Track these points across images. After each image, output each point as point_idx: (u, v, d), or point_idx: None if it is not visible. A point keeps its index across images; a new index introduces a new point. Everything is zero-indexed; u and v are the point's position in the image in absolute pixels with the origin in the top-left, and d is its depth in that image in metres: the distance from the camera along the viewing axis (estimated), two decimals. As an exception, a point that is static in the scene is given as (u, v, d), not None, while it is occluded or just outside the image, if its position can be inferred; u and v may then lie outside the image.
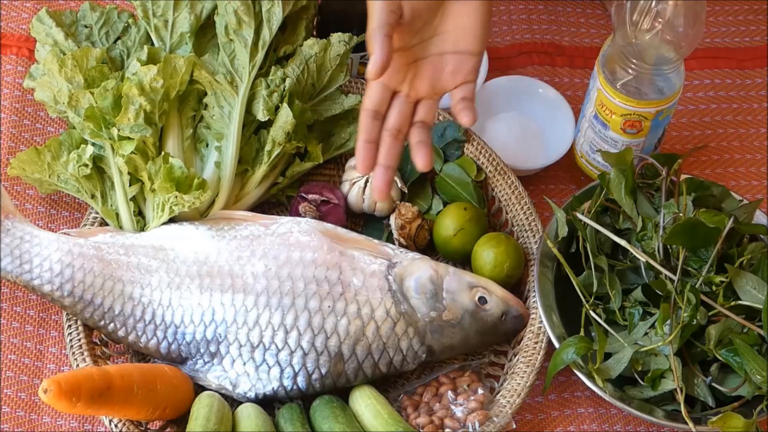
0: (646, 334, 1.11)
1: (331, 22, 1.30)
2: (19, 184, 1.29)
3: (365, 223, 1.29)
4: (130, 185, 1.20)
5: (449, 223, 1.22)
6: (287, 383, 1.13)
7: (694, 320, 1.08)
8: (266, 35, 1.23)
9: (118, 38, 1.31)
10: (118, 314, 1.15)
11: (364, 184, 1.25)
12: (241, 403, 1.13)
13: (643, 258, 1.12)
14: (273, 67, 1.24)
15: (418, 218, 1.24)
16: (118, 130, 1.18)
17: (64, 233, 1.20)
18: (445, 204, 1.27)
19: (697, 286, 1.09)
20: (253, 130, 1.25)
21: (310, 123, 1.27)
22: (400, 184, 1.26)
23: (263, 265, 1.15)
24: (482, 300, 1.16)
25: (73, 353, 1.14)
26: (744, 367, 1.07)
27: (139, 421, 1.11)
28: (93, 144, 1.21)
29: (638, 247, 1.13)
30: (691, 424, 1.07)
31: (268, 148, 1.23)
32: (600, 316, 1.13)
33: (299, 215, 1.23)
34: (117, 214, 1.22)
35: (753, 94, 1.45)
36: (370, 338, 1.13)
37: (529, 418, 1.19)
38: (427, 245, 1.25)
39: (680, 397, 1.08)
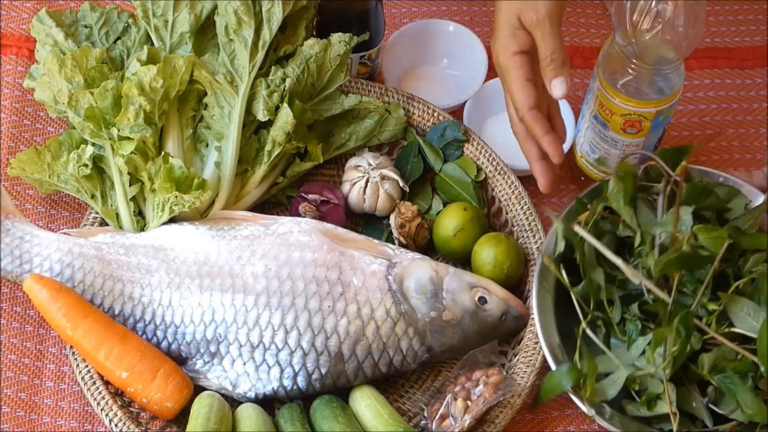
0: (644, 352, 1.10)
1: (331, 22, 1.30)
2: (19, 184, 1.29)
3: (365, 223, 1.29)
4: (130, 185, 1.20)
5: (449, 223, 1.22)
6: (287, 383, 1.13)
7: (687, 348, 1.06)
8: (266, 35, 1.23)
9: (118, 38, 1.31)
10: (118, 314, 1.15)
11: (364, 184, 1.25)
12: (241, 403, 1.13)
13: (636, 280, 1.09)
14: (273, 67, 1.24)
15: (417, 217, 1.24)
16: (118, 130, 1.18)
17: (64, 233, 1.20)
18: (445, 204, 1.27)
19: (692, 308, 1.08)
20: (253, 130, 1.25)
21: (310, 123, 1.27)
22: (401, 183, 1.26)
23: (263, 265, 1.15)
24: (482, 300, 1.16)
25: (74, 353, 1.14)
26: (736, 398, 1.06)
27: (139, 421, 1.11)
28: (93, 144, 1.21)
29: (636, 262, 1.12)
30: None
31: (268, 148, 1.23)
32: (601, 329, 1.12)
33: (299, 215, 1.23)
34: (117, 214, 1.22)
35: (753, 94, 1.45)
36: (370, 338, 1.13)
37: (529, 418, 1.19)
38: (427, 245, 1.25)
39: (674, 424, 1.07)
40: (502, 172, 1.27)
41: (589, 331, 1.12)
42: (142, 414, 1.13)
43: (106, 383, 1.12)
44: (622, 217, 1.14)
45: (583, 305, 1.13)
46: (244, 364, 1.13)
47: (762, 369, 1.04)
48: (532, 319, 1.18)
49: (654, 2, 1.12)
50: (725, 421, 1.09)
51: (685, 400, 1.09)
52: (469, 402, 1.11)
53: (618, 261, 1.09)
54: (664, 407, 1.08)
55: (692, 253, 1.07)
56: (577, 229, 1.13)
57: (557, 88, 1.08)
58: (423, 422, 1.14)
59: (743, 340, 1.07)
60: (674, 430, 1.07)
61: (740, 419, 1.08)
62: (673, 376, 1.08)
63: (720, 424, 1.09)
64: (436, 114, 1.31)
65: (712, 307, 1.08)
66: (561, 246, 1.14)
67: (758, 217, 1.15)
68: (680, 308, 1.07)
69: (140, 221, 1.21)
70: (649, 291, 1.10)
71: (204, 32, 1.28)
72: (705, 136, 1.31)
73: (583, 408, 1.10)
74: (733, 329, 1.07)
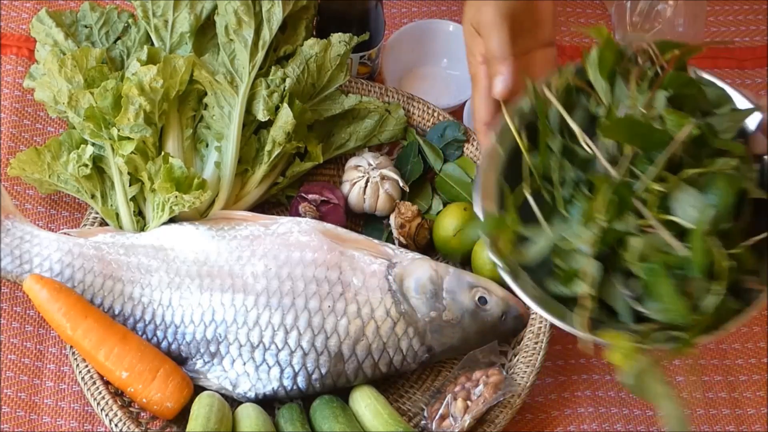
0: None
1: (331, 22, 1.30)
2: (19, 184, 1.29)
3: (365, 223, 1.29)
4: (130, 185, 1.20)
5: (449, 223, 1.22)
6: (287, 383, 1.13)
7: (618, 225, 0.94)
8: (266, 35, 1.23)
9: (118, 38, 1.31)
10: (118, 314, 1.15)
11: (364, 184, 1.25)
12: (241, 403, 1.13)
13: (586, 147, 0.98)
14: (273, 67, 1.24)
15: (417, 217, 1.24)
16: (118, 130, 1.18)
17: (65, 233, 1.20)
18: (445, 204, 1.27)
19: (638, 191, 0.95)
20: (253, 130, 1.25)
21: (310, 123, 1.27)
22: (401, 183, 1.26)
23: (263, 265, 1.15)
24: (482, 300, 1.16)
25: (74, 353, 1.14)
26: (656, 293, 0.94)
27: (139, 421, 1.11)
28: (93, 144, 1.21)
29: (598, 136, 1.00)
30: (580, 331, 0.95)
31: (268, 148, 1.23)
32: (549, 205, 1.01)
33: (299, 215, 1.23)
34: (117, 214, 1.22)
35: (753, 94, 1.45)
36: (370, 338, 1.13)
37: (530, 417, 1.19)
38: (427, 245, 1.25)
39: (587, 305, 0.95)
40: (502, 172, 1.27)
41: (529, 196, 1.01)
42: (142, 414, 1.13)
43: (106, 383, 1.12)
44: (596, 89, 1.02)
45: (534, 172, 1.02)
46: (244, 364, 1.13)
47: (693, 267, 0.92)
48: (533, 318, 1.18)
49: (654, 2, 1.12)
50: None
51: (608, 291, 0.97)
52: (469, 402, 1.11)
53: (574, 126, 1.00)
54: (580, 287, 0.96)
55: (644, 123, 0.95)
56: (545, 90, 1.03)
57: (496, 86, 1.06)
58: (423, 422, 1.14)
59: (680, 235, 0.94)
60: (588, 311, 0.95)
61: (661, 319, 0.94)
62: (600, 261, 0.96)
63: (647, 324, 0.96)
64: (436, 114, 1.31)
65: (655, 187, 0.94)
66: (526, 105, 1.05)
67: (739, 121, 1.00)
68: (619, 185, 0.94)
69: (140, 221, 1.21)
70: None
71: (204, 32, 1.28)
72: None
73: (494, 259, 1.00)
74: (672, 218, 0.94)
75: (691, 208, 0.93)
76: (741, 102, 1.02)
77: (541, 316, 1.14)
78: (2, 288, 1.22)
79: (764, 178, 0.99)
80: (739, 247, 0.93)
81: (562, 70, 1.05)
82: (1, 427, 1.15)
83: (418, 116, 1.31)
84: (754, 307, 0.94)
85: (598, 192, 0.94)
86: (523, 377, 1.15)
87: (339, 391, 1.14)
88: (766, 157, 0.99)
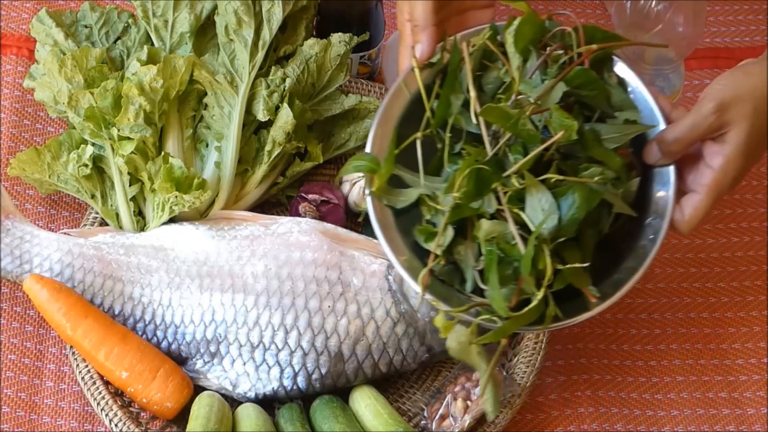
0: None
1: (331, 22, 1.30)
2: (19, 184, 1.29)
3: (365, 223, 1.29)
4: (130, 185, 1.20)
5: (449, 223, 1.22)
6: (287, 383, 1.13)
7: (473, 203, 0.96)
8: (266, 35, 1.23)
9: (118, 38, 1.31)
10: (118, 314, 1.15)
11: (364, 184, 1.25)
12: (241, 403, 1.13)
13: (473, 117, 0.99)
14: (273, 67, 1.24)
15: (418, 218, 1.24)
16: (118, 130, 1.18)
17: (65, 233, 1.20)
18: (444, 204, 1.27)
19: (504, 174, 0.96)
20: (253, 130, 1.25)
21: (310, 123, 1.27)
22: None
23: (263, 265, 1.15)
24: (482, 300, 1.16)
25: (74, 353, 1.14)
26: (487, 278, 0.96)
27: (139, 421, 1.11)
28: (93, 144, 1.21)
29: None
30: (417, 284, 0.98)
31: (268, 148, 1.23)
32: (437, 155, 1.03)
33: (299, 215, 1.23)
34: (117, 214, 1.22)
35: (753, 94, 1.44)
36: (370, 338, 1.13)
37: (530, 417, 1.19)
38: (427, 245, 1.25)
39: (430, 262, 0.98)
40: (502, 172, 1.26)
41: (418, 142, 1.01)
42: (142, 414, 1.13)
43: (106, 383, 1.12)
44: (509, 59, 1.01)
45: (431, 120, 1.02)
46: (244, 364, 1.13)
47: (522, 270, 0.93)
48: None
49: (654, 2, 1.12)
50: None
51: (463, 258, 0.99)
52: (469, 402, 1.11)
53: (472, 92, 1.00)
54: (434, 246, 0.99)
55: (516, 119, 0.94)
56: (463, 46, 1.03)
57: (415, 52, 1.06)
58: (423, 422, 1.14)
59: (525, 229, 0.95)
60: (428, 265, 0.98)
61: (488, 302, 0.97)
62: (460, 228, 0.98)
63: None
64: (436, 114, 1.31)
65: (517, 181, 0.95)
66: (439, 56, 1.05)
67: (629, 134, 0.99)
68: (493, 166, 0.96)
69: (140, 221, 1.21)
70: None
71: (204, 32, 1.28)
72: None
73: (365, 189, 1.04)
74: (521, 214, 0.95)
75: (541, 211, 0.93)
76: (650, 110, 1.00)
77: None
78: (2, 288, 1.22)
79: (645, 188, 0.99)
80: (567, 264, 0.94)
81: (484, 30, 1.04)
82: (1, 427, 1.15)
83: (418, 116, 1.31)
84: (576, 318, 0.97)
85: (462, 166, 0.95)
86: (523, 377, 1.15)
87: (339, 391, 1.14)
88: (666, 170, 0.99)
